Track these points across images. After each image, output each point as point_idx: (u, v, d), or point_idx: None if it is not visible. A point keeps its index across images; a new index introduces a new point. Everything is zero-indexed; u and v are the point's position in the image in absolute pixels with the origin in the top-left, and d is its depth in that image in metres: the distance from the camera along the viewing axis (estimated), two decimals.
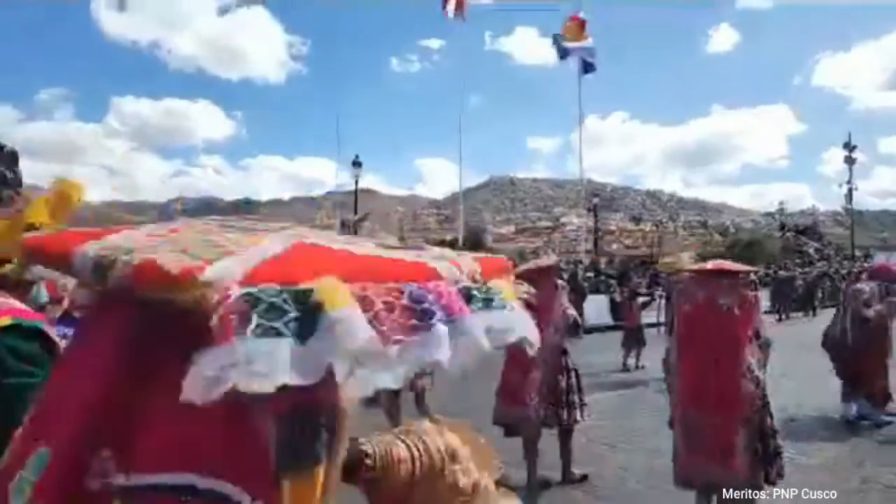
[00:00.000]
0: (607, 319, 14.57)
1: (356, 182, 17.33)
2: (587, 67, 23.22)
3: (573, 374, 4.43)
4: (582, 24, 22.98)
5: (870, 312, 5.80)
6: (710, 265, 3.55)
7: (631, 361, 9.56)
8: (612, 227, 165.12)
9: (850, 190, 27.90)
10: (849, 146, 27.88)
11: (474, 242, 34.27)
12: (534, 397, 4.16)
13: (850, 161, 27.89)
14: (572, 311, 4.28)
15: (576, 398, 4.37)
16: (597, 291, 16.41)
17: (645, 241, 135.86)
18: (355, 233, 16.68)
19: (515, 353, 3.93)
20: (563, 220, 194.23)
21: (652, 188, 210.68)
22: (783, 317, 17.90)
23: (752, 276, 3.43)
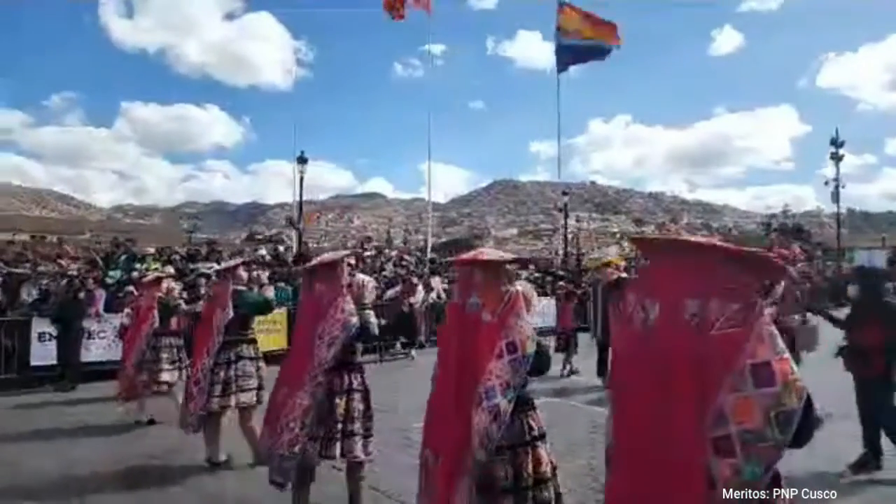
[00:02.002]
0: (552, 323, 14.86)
1: (300, 181, 18.29)
2: (563, 62, 22.20)
3: (357, 396, 3.56)
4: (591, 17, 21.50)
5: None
6: (466, 256, 2.81)
7: (566, 368, 9.16)
8: (615, 230, 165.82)
9: (836, 187, 29.08)
10: (836, 142, 28.82)
11: (466, 246, 35.24)
12: (295, 425, 3.37)
13: (836, 157, 28.98)
14: (354, 319, 3.43)
15: (357, 427, 3.49)
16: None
17: None
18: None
19: (287, 368, 3.70)
20: (578, 222, 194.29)
21: (655, 190, 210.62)
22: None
23: (510, 267, 2.69)
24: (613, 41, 21.76)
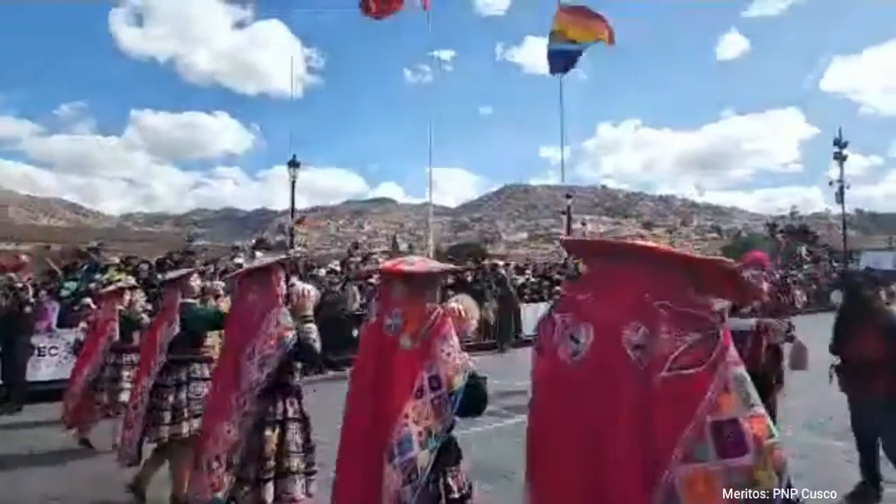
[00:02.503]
0: None
1: (293, 185, 17.93)
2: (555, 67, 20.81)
3: (294, 427, 3.04)
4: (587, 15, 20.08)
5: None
6: (387, 265, 2.47)
7: None
8: (626, 233, 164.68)
9: (841, 188, 28.42)
10: (839, 142, 28.29)
11: (472, 253, 34.73)
12: (219, 465, 2.83)
13: (840, 157, 28.39)
14: (291, 334, 2.92)
15: (294, 464, 2.97)
16: None
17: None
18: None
19: (212, 394, 3.27)
20: (575, 226, 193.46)
21: (665, 193, 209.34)
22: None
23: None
24: (603, 38, 20.72)
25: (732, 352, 1.16)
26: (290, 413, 3.06)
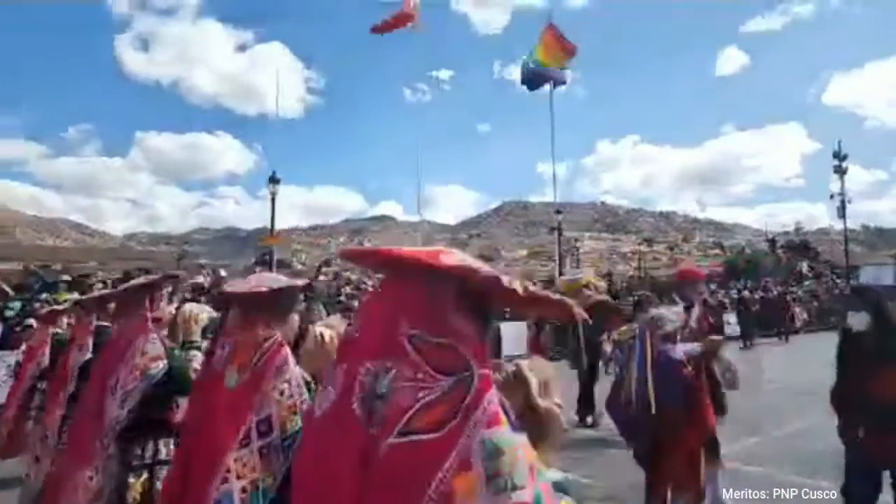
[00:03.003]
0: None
1: (272, 200, 17.66)
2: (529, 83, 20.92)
3: (166, 472, 2.47)
4: (559, 40, 20.38)
5: (677, 352, 3.55)
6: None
7: None
8: (625, 250, 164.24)
9: (842, 202, 28.06)
10: (838, 155, 28.08)
11: None
12: None
13: (840, 171, 28.10)
14: (159, 364, 2.51)
15: None
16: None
17: (658, 263, 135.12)
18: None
19: (72, 433, 2.83)
20: (576, 243, 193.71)
21: (665, 210, 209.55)
22: (748, 343, 16.27)
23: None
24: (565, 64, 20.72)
25: (492, 405, 0.80)
26: (163, 455, 2.69)
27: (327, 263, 16.07)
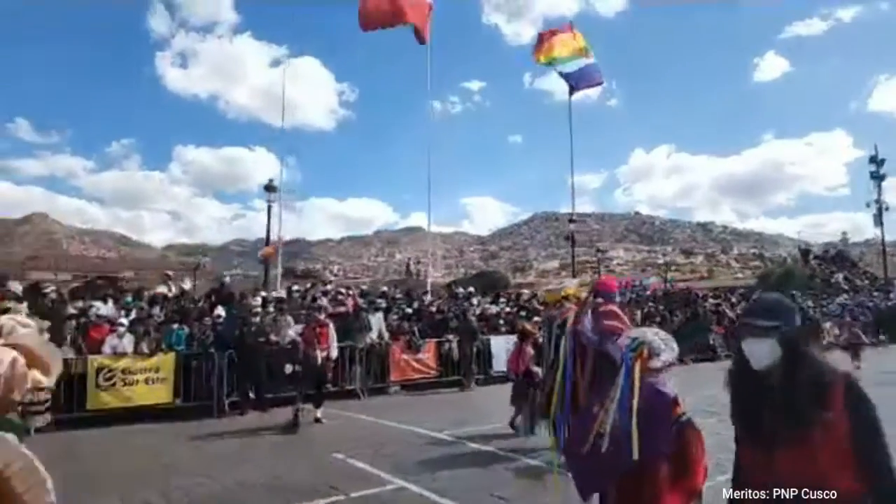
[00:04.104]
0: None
1: (268, 210, 17.09)
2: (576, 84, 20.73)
3: None
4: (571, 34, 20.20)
5: (668, 387, 3.01)
6: None
7: (520, 422, 7.14)
8: (660, 261, 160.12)
9: (879, 209, 26.25)
10: (876, 160, 26.39)
11: (484, 284, 33.61)
12: None
13: (878, 177, 26.36)
14: None
15: None
16: None
17: (695, 275, 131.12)
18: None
19: None
20: (609, 253, 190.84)
21: (703, 220, 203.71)
22: (686, 361, 14.08)
23: None
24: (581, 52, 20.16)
25: None
26: None
27: (324, 283, 15.23)
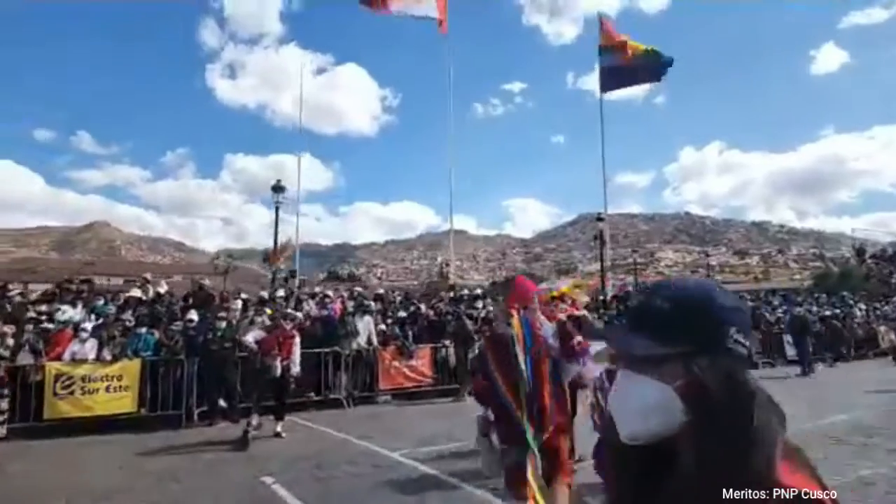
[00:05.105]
0: None
1: (276, 210, 16.52)
2: (607, 84, 20.86)
3: None
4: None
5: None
6: None
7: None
8: (713, 262, 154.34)
9: None
10: None
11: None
12: None
13: None
14: None
15: None
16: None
17: (749, 276, 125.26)
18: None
19: None
20: (657, 255, 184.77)
21: (758, 219, 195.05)
22: (806, 369, 13.48)
23: None
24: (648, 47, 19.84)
25: None
26: None
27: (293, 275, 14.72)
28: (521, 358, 3.47)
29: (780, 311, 16.89)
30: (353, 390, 10.06)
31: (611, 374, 5.11)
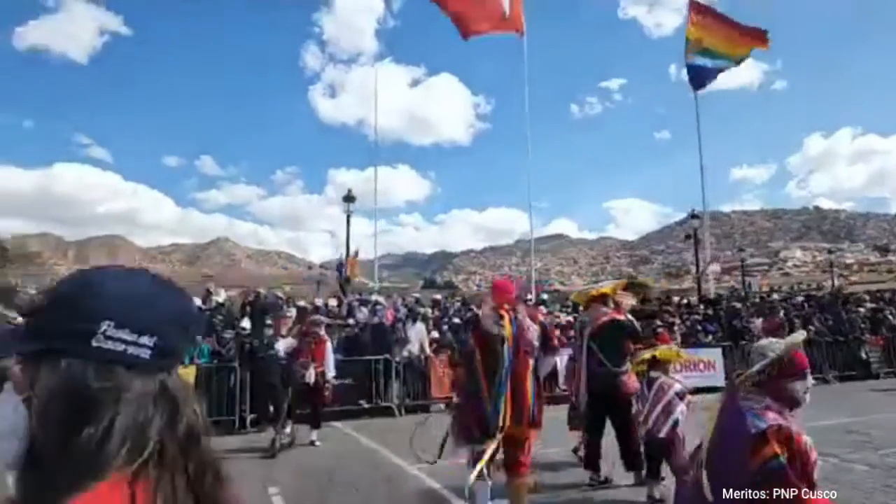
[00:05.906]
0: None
1: (348, 219, 16.49)
2: (699, 81, 19.60)
3: None
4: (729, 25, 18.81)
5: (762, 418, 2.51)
6: None
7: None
8: (850, 260, 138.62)
9: None
10: None
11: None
12: None
13: None
14: None
15: None
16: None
17: (892, 275, 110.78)
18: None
19: None
20: (782, 254, 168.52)
21: None
22: (828, 379, 12.13)
23: None
24: (758, 44, 18.06)
25: None
26: None
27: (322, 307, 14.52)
28: (505, 355, 3.69)
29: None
30: (404, 398, 9.88)
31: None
